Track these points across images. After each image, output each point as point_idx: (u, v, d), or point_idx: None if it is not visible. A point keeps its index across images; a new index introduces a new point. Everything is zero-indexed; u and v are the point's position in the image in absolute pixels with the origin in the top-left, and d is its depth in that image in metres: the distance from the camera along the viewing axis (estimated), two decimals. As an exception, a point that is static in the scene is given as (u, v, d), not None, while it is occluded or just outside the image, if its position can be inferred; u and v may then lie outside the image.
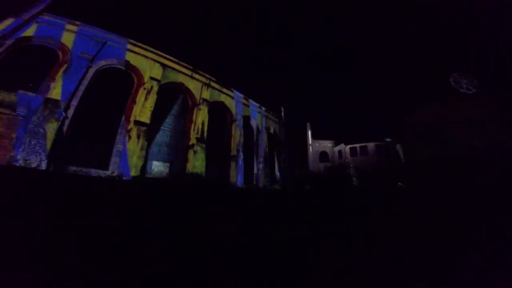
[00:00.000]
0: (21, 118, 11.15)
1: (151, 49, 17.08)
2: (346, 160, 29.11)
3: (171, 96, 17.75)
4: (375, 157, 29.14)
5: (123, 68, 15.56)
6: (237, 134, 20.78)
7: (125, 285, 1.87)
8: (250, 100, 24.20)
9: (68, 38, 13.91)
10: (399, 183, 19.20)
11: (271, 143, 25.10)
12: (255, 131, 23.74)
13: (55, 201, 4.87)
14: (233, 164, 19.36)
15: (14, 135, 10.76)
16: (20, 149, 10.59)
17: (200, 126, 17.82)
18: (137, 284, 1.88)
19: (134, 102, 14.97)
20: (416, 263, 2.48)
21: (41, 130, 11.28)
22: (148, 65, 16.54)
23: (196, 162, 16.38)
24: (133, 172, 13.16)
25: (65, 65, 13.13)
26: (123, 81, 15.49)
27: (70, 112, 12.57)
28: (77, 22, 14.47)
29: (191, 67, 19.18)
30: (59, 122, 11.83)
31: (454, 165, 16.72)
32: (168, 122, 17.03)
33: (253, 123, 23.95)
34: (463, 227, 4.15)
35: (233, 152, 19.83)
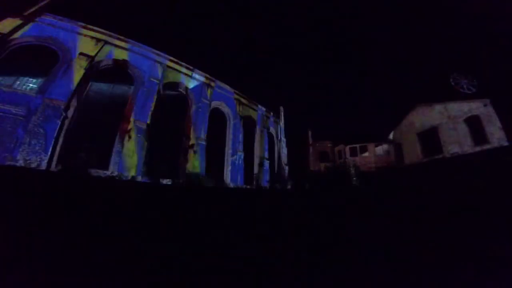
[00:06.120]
0: (21, 118, 11.14)
1: (151, 49, 17.08)
2: (346, 160, 29.07)
3: (171, 96, 17.78)
4: (375, 157, 29.10)
5: (123, 68, 15.58)
6: (237, 134, 20.75)
7: (125, 285, 1.87)
8: (250, 100, 24.17)
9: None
10: (399, 183, 19.14)
11: (271, 143, 25.08)
12: (255, 131, 23.72)
13: (55, 201, 4.87)
14: (232, 164, 19.35)
15: (14, 135, 10.76)
16: (20, 149, 10.59)
17: (200, 126, 17.83)
18: (137, 285, 1.88)
19: (134, 102, 14.99)
20: (417, 265, 2.48)
21: (41, 130, 11.28)
22: (147, 64, 16.56)
23: (196, 162, 16.40)
24: (132, 172, 13.17)
25: (65, 65, 13.15)
26: (124, 81, 15.52)
27: (70, 112, 12.57)
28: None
29: (191, 67, 19.16)
30: (59, 122, 11.83)
31: (452, 165, 16.69)
32: (168, 122, 17.02)
33: (253, 123, 23.93)
34: (463, 228, 4.15)
35: (233, 152, 19.83)
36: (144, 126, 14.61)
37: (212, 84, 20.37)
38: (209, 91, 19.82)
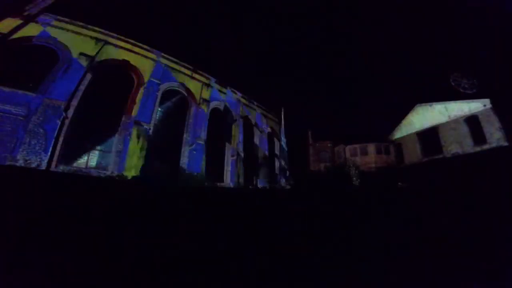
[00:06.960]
0: (21, 118, 11.14)
1: (151, 49, 17.08)
2: (346, 160, 29.08)
3: (171, 96, 17.80)
4: (375, 157, 29.10)
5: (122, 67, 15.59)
6: (237, 134, 20.75)
7: (125, 285, 1.87)
8: (249, 100, 24.17)
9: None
10: (399, 183, 19.19)
11: (271, 143, 25.08)
12: (254, 132, 23.72)
13: (55, 201, 4.87)
14: (232, 164, 19.35)
15: (14, 135, 10.76)
16: (20, 149, 10.59)
17: (200, 126, 17.83)
18: (136, 285, 1.88)
19: (134, 102, 15.01)
20: (419, 267, 2.48)
21: (41, 130, 11.28)
22: (148, 65, 16.57)
23: (195, 162, 16.42)
24: (132, 172, 13.17)
25: (65, 65, 13.15)
26: (123, 81, 15.51)
27: (70, 112, 12.57)
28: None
29: (191, 67, 19.16)
30: (59, 122, 11.83)
31: (452, 165, 16.70)
32: (168, 122, 17.03)
33: (253, 123, 23.93)
34: (465, 228, 4.15)
35: (233, 152, 19.83)
36: (146, 127, 14.63)
37: (212, 83, 20.40)
38: (209, 91, 19.83)
